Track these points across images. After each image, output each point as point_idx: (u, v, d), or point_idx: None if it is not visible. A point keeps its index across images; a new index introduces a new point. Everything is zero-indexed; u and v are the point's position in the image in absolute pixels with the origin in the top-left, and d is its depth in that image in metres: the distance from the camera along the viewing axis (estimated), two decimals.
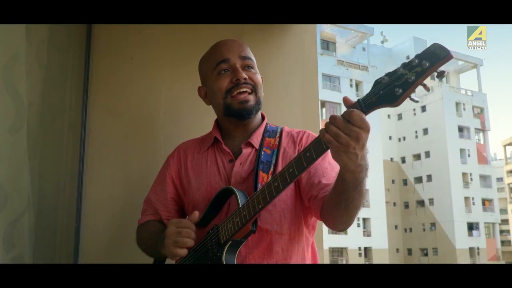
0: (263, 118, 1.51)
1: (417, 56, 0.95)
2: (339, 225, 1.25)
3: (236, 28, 1.99)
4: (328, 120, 1.02)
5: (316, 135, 1.45)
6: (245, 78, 1.38)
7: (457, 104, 40.12)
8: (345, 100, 1.03)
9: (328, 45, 37.15)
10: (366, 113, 1.00)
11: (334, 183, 1.16)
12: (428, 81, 0.98)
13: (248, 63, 1.42)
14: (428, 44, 0.95)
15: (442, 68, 0.93)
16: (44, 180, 1.59)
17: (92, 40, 2.03)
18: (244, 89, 1.39)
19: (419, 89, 0.96)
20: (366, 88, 36.44)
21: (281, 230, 1.33)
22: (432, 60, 0.93)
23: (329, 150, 1.06)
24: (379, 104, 0.98)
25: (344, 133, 0.99)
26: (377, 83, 0.99)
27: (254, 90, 1.41)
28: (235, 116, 1.41)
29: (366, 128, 0.99)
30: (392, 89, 0.96)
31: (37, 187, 1.51)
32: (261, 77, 1.48)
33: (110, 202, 1.92)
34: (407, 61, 0.96)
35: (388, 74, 0.98)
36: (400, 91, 0.95)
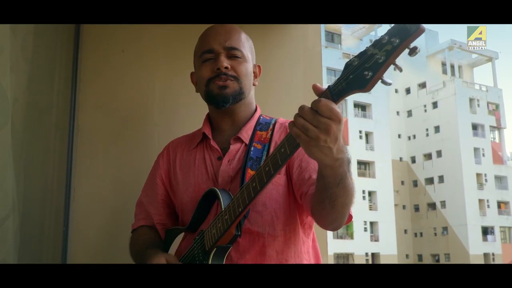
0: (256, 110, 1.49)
1: (386, 33, 0.90)
2: (329, 224, 1.23)
3: None
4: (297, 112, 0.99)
5: None
6: (226, 68, 1.38)
7: (471, 100, 40.10)
8: (315, 88, 1.00)
9: (333, 37, 37.15)
10: (337, 101, 0.96)
11: (316, 180, 1.14)
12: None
13: (233, 53, 1.41)
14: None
15: (414, 44, 0.88)
16: (30, 181, 1.59)
17: (81, 32, 2.03)
18: (223, 82, 1.38)
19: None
20: None
21: (274, 232, 1.31)
22: (402, 35, 0.87)
23: None
24: (348, 90, 0.94)
25: (312, 125, 0.95)
26: (347, 66, 0.95)
27: (236, 80, 1.39)
28: (213, 103, 1.41)
29: (336, 119, 0.95)
30: (361, 72, 0.91)
31: (22, 189, 1.51)
32: (258, 66, 1.50)
33: (100, 204, 1.92)
34: (377, 38, 0.91)
35: (359, 55, 0.94)
36: (370, 74, 0.90)
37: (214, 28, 1.45)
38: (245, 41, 1.45)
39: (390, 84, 0.92)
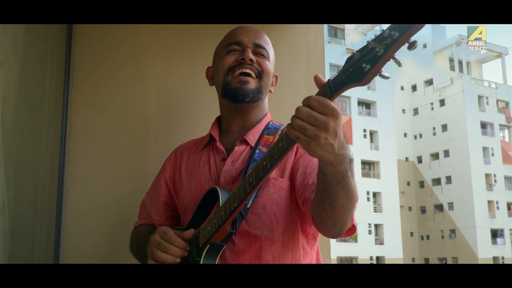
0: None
1: (388, 28, 0.93)
2: (329, 229, 1.22)
3: None
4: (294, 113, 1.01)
5: None
6: (251, 60, 1.42)
7: (480, 97, 40.10)
8: (316, 79, 1.02)
9: (336, 32, 37.15)
10: (334, 94, 0.98)
11: (316, 180, 1.14)
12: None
13: (260, 51, 1.47)
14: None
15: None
16: (21, 182, 1.59)
17: (74, 28, 2.03)
18: (247, 70, 1.42)
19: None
20: (378, 80, 36.53)
21: (272, 236, 1.33)
22: (402, 29, 0.90)
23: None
24: (347, 83, 0.96)
25: (309, 124, 0.97)
26: (348, 60, 0.98)
27: (259, 76, 1.44)
28: (230, 97, 1.44)
29: (332, 114, 0.96)
30: (360, 65, 0.94)
31: (13, 190, 1.51)
32: (276, 76, 1.56)
33: (93, 205, 1.92)
34: (378, 33, 0.94)
35: (360, 50, 0.96)
36: (368, 67, 0.92)
37: (243, 26, 1.52)
38: (271, 47, 1.52)
39: (388, 77, 0.94)
